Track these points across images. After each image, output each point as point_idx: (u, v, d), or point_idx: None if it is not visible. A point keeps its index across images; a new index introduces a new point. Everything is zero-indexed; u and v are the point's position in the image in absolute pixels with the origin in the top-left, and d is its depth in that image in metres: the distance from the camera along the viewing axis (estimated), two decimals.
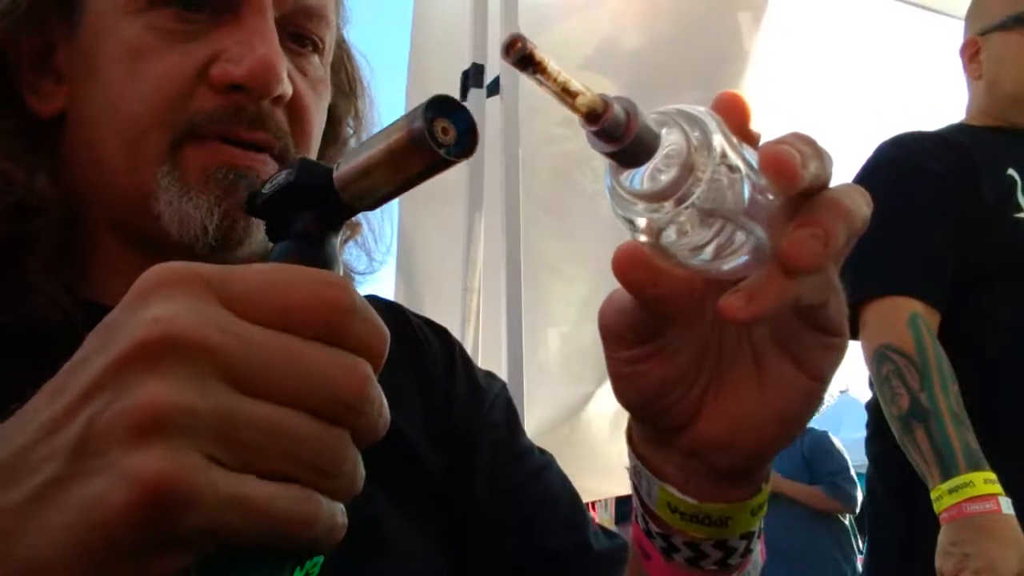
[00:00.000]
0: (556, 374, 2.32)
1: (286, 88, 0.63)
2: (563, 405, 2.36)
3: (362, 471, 0.37)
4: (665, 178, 0.37)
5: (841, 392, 9.50)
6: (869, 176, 1.66)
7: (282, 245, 0.43)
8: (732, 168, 0.38)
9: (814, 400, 0.47)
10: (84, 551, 0.33)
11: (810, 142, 0.40)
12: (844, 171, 1.77)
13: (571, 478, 0.78)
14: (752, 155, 0.40)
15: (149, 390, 0.32)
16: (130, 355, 0.33)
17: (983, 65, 1.76)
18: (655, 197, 0.37)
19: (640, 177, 0.38)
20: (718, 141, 0.37)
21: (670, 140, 0.37)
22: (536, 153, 2.13)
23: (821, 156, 0.40)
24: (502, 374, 1.94)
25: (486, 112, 2.04)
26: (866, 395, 1.65)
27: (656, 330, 0.47)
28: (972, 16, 1.83)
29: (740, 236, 0.39)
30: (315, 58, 0.69)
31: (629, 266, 0.44)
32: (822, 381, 0.46)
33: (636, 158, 0.37)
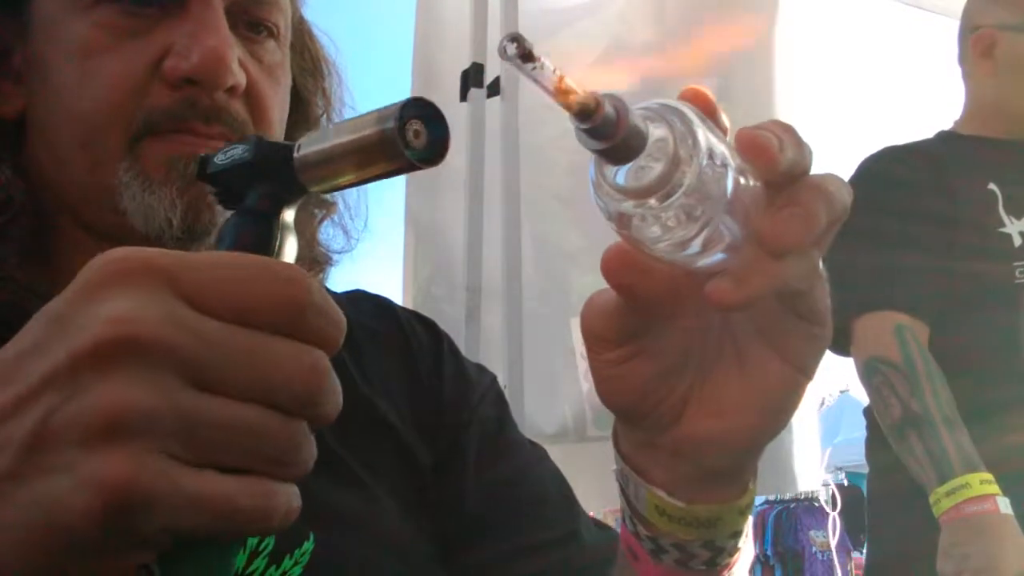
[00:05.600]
0: (581, 361, 2.32)
1: (238, 78, 0.63)
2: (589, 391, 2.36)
3: (315, 453, 0.37)
4: (652, 173, 0.37)
5: (841, 392, 9.49)
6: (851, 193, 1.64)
7: (234, 220, 0.42)
8: (716, 158, 0.38)
9: (798, 392, 0.47)
10: (42, 550, 0.33)
11: (788, 129, 0.41)
12: (854, 156, 1.76)
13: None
14: (728, 145, 0.40)
15: (109, 391, 0.32)
16: (88, 354, 0.33)
17: (998, 64, 1.68)
18: (643, 193, 0.37)
19: (624, 173, 0.38)
20: (702, 134, 0.37)
21: (656, 135, 0.37)
22: (552, 146, 2.13)
23: (799, 143, 0.41)
24: (502, 373, 1.95)
25: (486, 112, 2.04)
26: (866, 397, 1.66)
27: (640, 330, 0.46)
28: (989, 3, 1.73)
29: (725, 226, 0.39)
30: (270, 43, 0.68)
31: (620, 267, 0.44)
32: (805, 372, 0.46)
33: (625, 155, 0.37)
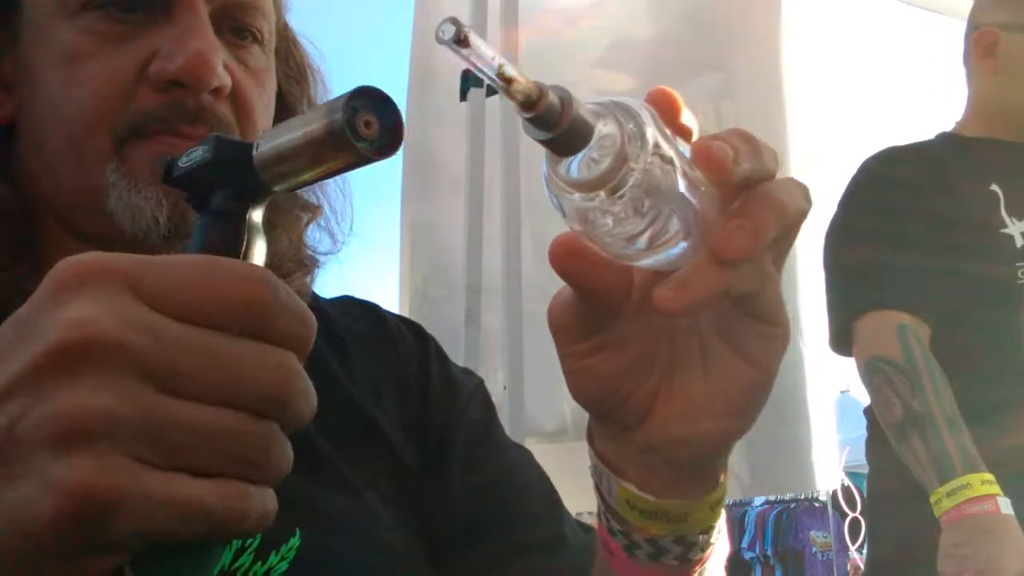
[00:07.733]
0: None
1: (223, 80, 0.64)
2: None
3: (291, 455, 0.37)
4: (599, 167, 0.38)
5: (841, 392, 9.47)
6: (853, 193, 1.66)
7: (201, 222, 0.42)
8: (665, 159, 0.38)
9: (760, 390, 0.47)
10: (13, 557, 0.33)
11: (747, 138, 0.41)
12: (856, 155, 1.74)
13: None
14: (686, 148, 0.40)
15: (70, 396, 0.32)
16: (48, 359, 0.33)
17: (999, 63, 1.68)
18: (589, 186, 0.38)
19: (576, 166, 0.38)
20: (651, 133, 0.38)
21: (605, 131, 0.38)
22: None
23: (759, 152, 0.41)
24: (499, 375, 1.95)
25: (486, 112, 2.04)
26: (866, 396, 1.66)
27: (603, 322, 0.47)
28: (991, 2, 1.72)
29: (673, 226, 0.40)
30: (255, 48, 0.69)
31: (566, 255, 0.44)
32: (766, 371, 0.47)
33: (570, 146, 0.38)
